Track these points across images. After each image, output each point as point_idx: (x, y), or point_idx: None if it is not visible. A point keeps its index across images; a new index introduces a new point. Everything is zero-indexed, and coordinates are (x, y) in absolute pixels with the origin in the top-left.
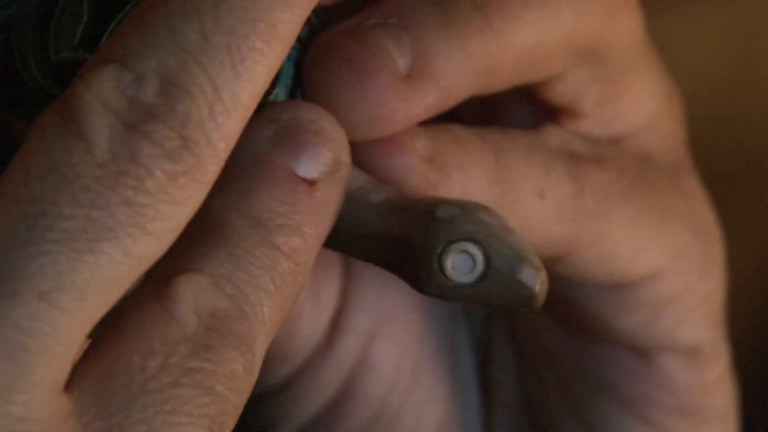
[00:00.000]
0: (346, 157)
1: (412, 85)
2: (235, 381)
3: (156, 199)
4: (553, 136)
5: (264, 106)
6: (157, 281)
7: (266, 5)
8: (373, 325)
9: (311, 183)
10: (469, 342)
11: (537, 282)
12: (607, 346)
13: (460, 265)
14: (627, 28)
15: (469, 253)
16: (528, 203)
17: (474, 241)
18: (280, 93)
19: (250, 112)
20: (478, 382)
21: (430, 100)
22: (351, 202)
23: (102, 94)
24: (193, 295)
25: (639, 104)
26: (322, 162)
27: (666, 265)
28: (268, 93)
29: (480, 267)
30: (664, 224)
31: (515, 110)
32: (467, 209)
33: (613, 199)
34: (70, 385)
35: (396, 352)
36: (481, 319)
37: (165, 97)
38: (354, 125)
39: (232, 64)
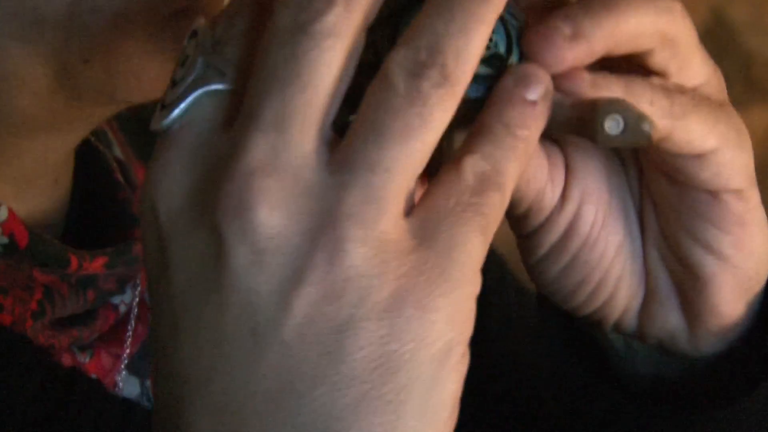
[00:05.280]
0: (550, 88)
1: (574, 41)
2: (494, 207)
3: (433, 108)
4: (656, 79)
5: (506, 67)
6: (455, 159)
7: (477, 9)
8: (582, 196)
9: (534, 102)
10: (632, 200)
11: (651, 128)
12: (695, 191)
13: (612, 126)
14: (686, 28)
15: (616, 120)
16: (644, 107)
17: (617, 112)
18: (500, 46)
19: (478, 56)
20: (638, 221)
21: (583, 49)
22: (555, 105)
23: (399, 60)
24: (471, 165)
25: (699, 71)
26: (539, 91)
27: (721, 144)
28: (499, 55)
29: (622, 125)
30: (718, 124)
31: (636, 72)
32: (612, 99)
33: (689, 108)
34: (408, 215)
35: (594, 209)
36: (636, 186)
37: (431, 57)
38: (548, 65)
39: (464, 37)
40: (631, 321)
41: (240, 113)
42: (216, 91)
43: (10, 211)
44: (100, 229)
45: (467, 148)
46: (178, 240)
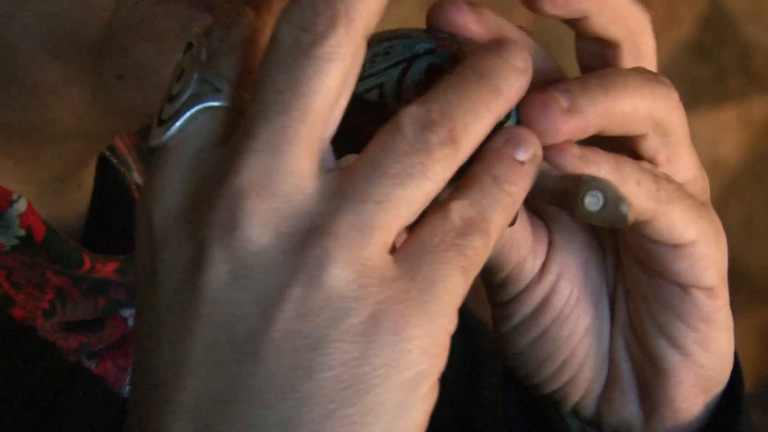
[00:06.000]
0: (539, 152)
1: (569, 115)
2: (477, 251)
3: (435, 162)
4: (645, 164)
5: (502, 127)
6: (443, 202)
7: (488, 99)
8: (560, 272)
9: (522, 162)
10: (606, 286)
11: (629, 210)
12: (668, 282)
13: (592, 201)
14: (679, 118)
15: (596, 196)
16: (631, 187)
17: (598, 189)
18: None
19: (484, 133)
20: (608, 307)
21: (578, 124)
22: (541, 175)
23: (413, 113)
24: (459, 209)
25: (687, 167)
26: (528, 153)
27: (699, 238)
28: (503, 122)
29: (601, 202)
30: (700, 218)
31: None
32: (595, 177)
33: (675, 196)
34: (393, 251)
35: (569, 287)
36: (611, 272)
37: (442, 119)
38: (542, 134)
39: (473, 115)
40: (589, 406)
41: (239, 131)
42: (212, 108)
43: (29, 204)
44: (115, 238)
45: (455, 195)
46: (168, 249)
